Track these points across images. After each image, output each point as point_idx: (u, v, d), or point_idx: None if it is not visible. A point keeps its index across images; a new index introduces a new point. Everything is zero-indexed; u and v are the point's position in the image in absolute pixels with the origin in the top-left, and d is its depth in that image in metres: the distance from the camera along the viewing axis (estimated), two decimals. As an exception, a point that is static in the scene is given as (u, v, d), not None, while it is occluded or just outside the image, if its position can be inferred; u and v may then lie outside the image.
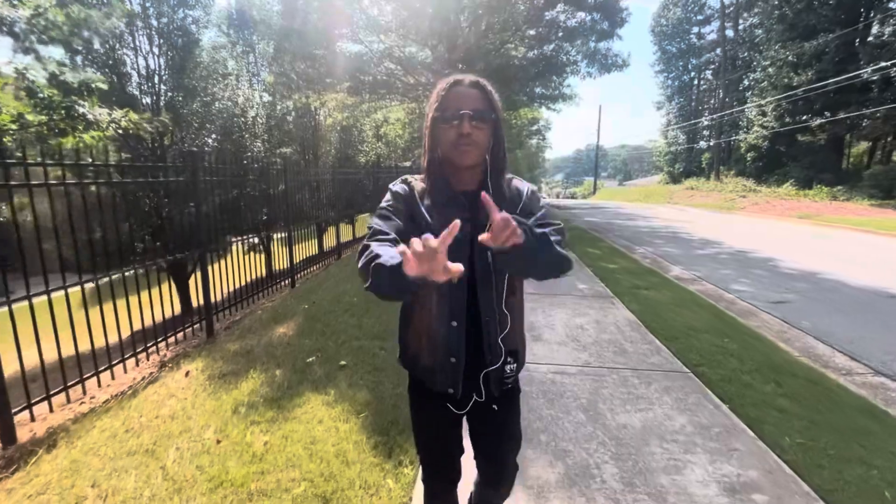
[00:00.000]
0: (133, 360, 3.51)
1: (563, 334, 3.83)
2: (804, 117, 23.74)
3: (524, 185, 1.21)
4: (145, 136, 8.33)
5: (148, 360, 3.72)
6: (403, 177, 1.20)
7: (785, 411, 2.62)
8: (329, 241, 8.01)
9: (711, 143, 36.24)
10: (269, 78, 12.99)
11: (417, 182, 1.17)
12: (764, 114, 26.00)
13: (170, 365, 3.48)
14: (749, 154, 29.01)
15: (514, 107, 22.86)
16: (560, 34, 12.48)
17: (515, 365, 1.18)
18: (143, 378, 3.29)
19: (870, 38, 20.58)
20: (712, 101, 38.11)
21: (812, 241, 10.32)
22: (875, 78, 18.64)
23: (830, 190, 20.11)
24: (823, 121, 22.02)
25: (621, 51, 13.04)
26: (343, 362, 3.17)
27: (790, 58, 23.05)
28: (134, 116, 4.90)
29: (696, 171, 37.10)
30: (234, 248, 5.16)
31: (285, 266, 6.05)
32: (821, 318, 4.70)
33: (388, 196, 1.15)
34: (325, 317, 4.22)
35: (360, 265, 0.95)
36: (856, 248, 9.07)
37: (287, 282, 6.07)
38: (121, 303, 3.17)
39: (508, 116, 24.82)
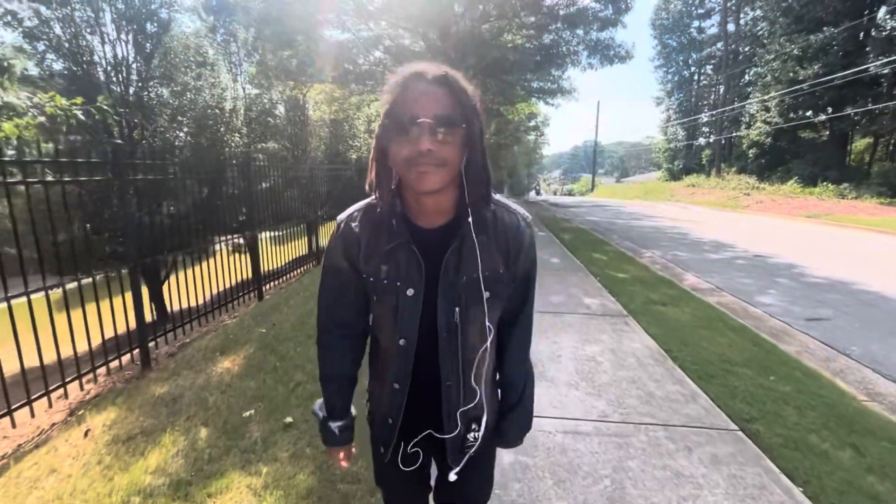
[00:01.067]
0: (47, 398, 2.79)
1: (573, 370, 3.11)
2: (808, 113, 23.12)
3: (519, 223, 0.97)
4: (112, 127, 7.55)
5: (67, 397, 3.00)
6: (344, 218, 0.95)
7: (881, 502, 1.91)
8: (301, 247, 7.27)
9: (711, 140, 35.61)
10: (250, 68, 12.16)
11: (371, 215, 0.92)
12: (767, 109, 25.33)
13: (80, 412, 2.76)
14: (751, 150, 28.37)
15: (511, 101, 22.12)
16: (560, 23, 11.73)
17: (481, 432, 0.99)
18: (38, 432, 2.57)
19: (879, 31, 19.93)
20: (712, 97, 37.45)
21: (830, 243, 9.66)
22: (885, 72, 17.95)
23: (837, 188, 19.47)
24: (829, 116, 21.37)
25: (624, 41, 12.29)
26: (289, 419, 2.43)
27: (795, 51, 22.37)
28: (62, 101, 4.10)
29: (695, 167, 36.46)
30: (202, 254, 4.43)
31: (266, 273, 5.31)
32: (867, 340, 4.02)
33: (326, 254, 0.98)
34: (283, 346, 3.49)
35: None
36: (879, 252, 8.40)
37: (253, 294, 5.33)
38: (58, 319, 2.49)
39: (506, 111, 24.07)
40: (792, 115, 23.80)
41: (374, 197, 0.90)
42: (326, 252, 0.97)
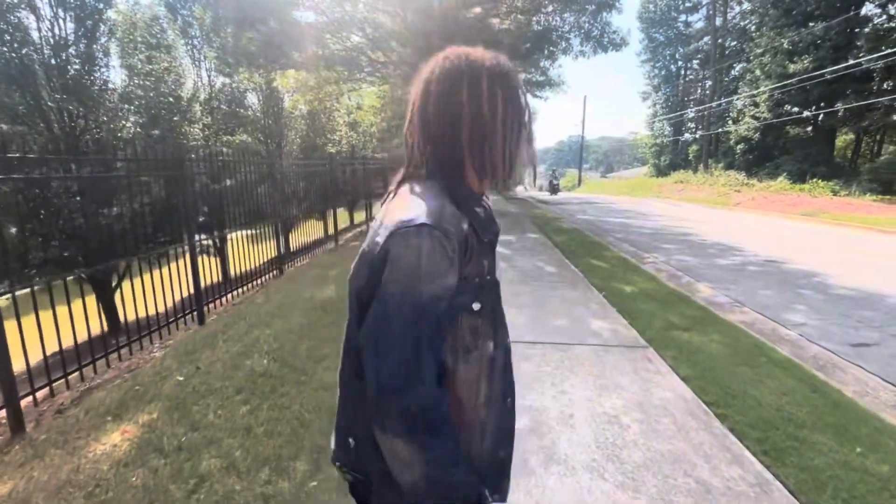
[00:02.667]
0: None
1: (591, 440, 2.29)
2: (795, 109, 22.82)
3: None
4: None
5: None
6: (436, 221, 0.68)
7: None
8: (266, 253, 6.32)
9: (697, 136, 35.36)
10: (210, 53, 11.05)
11: (460, 218, 0.73)
12: (756, 104, 24.99)
13: None
14: (739, 146, 28.09)
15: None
16: (551, 7, 10.91)
17: None
18: None
19: (869, 25, 19.62)
20: (699, 92, 37.20)
21: (838, 245, 9.09)
22: (879, 65, 17.60)
23: (827, 184, 19.16)
24: (819, 112, 21.07)
25: (620, 27, 11.53)
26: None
27: (786, 45, 22.00)
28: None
29: (682, 163, 36.20)
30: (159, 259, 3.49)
31: (218, 289, 4.37)
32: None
33: (422, 283, 0.66)
34: (201, 405, 2.59)
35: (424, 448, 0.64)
36: (892, 254, 7.84)
37: (193, 316, 4.40)
38: None
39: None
40: (781, 110, 23.50)
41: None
42: (421, 278, 0.66)
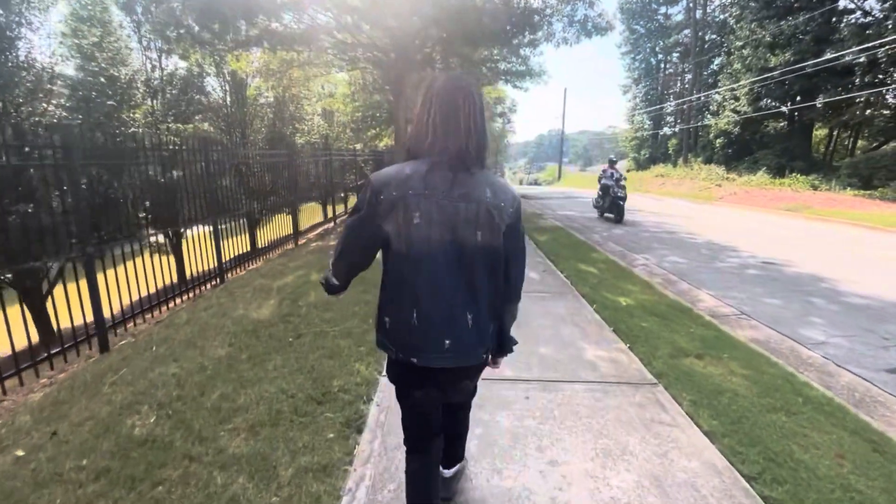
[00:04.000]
0: None
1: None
2: (775, 103, 22.72)
3: None
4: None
5: None
6: None
7: None
8: (225, 252, 5.40)
9: (677, 129, 35.32)
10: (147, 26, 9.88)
11: None
12: (736, 98, 24.85)
13: None
14: (718, 140, 28.03)
15: (477, 84, 20.45)
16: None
17: None
18: None
19: (848, 19, 19.51)
20: (678, 86, 37.13)
21: (831, 241, 8.68)
22: (861, 59, 17.46)
23: (807, 179, 19.09)
24: (800, 106, 20.97)
25: (605, 9, 10.84)
26: None
27: (767, 38, 21.79)
28: None
29: (661, 157, 36.16)
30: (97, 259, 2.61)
31: (140, 304, 3.47)
32: None
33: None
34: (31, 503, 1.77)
35: None
36: (892, 256, 7.42)
37: (90, 342, 3.51)
38: None
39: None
40: (761, 103, 23.39)
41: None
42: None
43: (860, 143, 24.10)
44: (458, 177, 1.23)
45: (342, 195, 12.63)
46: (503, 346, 1.46)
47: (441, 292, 1.22)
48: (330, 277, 1.45)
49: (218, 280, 5.25)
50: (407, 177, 1.21)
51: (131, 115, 8.42)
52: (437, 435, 1.49)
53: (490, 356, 1.40)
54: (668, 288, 5.26)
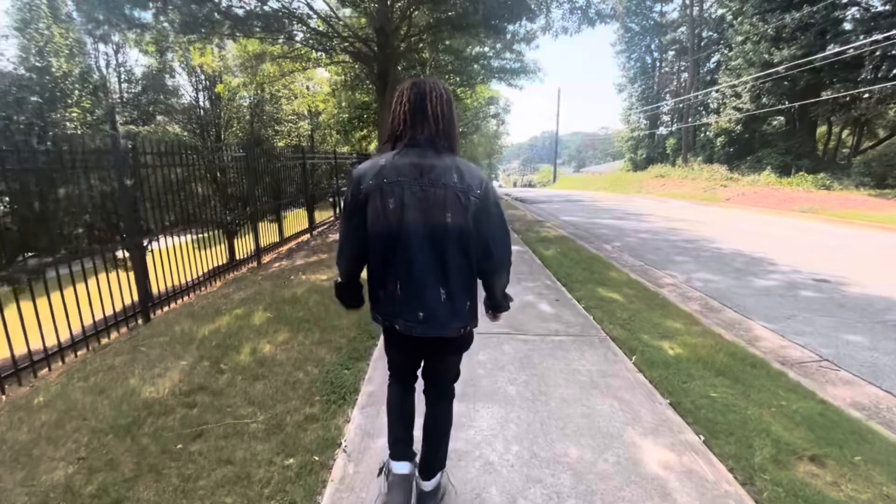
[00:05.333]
0: None
1: None
2: (783, 97, 21.83)
3: None
4: None
5: None
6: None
7: None
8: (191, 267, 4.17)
9: (675, 129, 34.47)
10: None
11: None
12: (738, 95, 23.97)
13: None
14: (719, 139, 27.17)
15: (469, 83, 19.40)
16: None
17: None
18: None
19: (853, 10, 18.67)
20: (674, 84, 36.30)
21: (879, 251, 7.64)
22: (871, 51, 16.56)
23: (816, 178, 18.17)
24: (806, 101, 20.07)
25: (608, -4, 9.80)
26: None
27: (769, 32, 20.91)
28: None
29: (658, 157, 35.27)
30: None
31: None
32: None
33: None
34: None
35: None
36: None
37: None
38: None
39: (464, 94, 21.27)
40: (765, 100, 22.50)
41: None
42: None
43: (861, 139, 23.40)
44: (427, 162, 1.36)
45: (331, 199, 11.45)
46: (498, 305, 1.58)
47: (414, 269, 1.35)
48: (336, 278, 1.57)
49: (134, 322, 4.04)
50: (381, 167, 1.37)
51: (66, 113, 7.18)
52: (415, 377, 1.69)
53: (467, 328, 1.48)
54: (711, 317, 4.14)
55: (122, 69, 11.00)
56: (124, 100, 10.32)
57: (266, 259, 6.98)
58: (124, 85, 10.99)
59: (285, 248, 8.09)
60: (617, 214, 12.82)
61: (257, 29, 7.55)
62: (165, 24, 6.67)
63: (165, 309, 4.36)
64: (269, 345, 3.20)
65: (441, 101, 1.38)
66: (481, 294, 1.55)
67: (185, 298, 4.70)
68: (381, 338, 3.14)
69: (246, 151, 6.26)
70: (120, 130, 8.43)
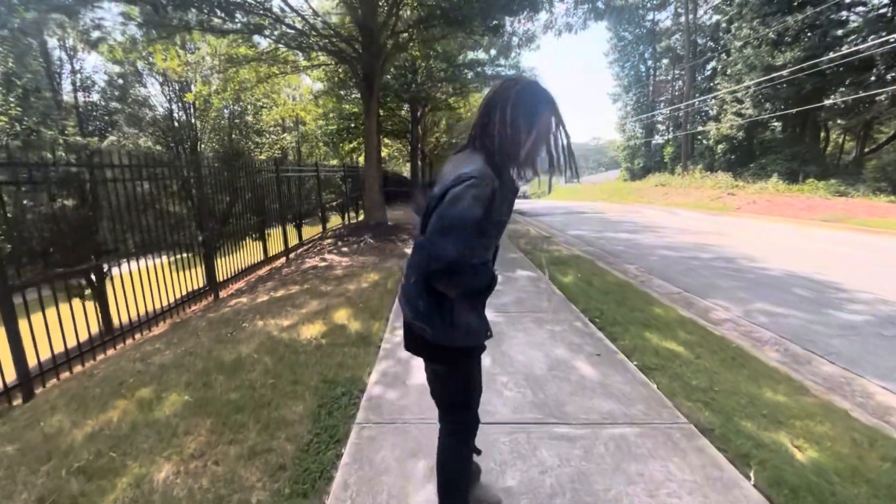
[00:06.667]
0: None
1: None
2: (784, 104, 21.11)
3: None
4: None
5: None
6: (486, 176, 1.25)
7: None
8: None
9: (671, 137, 33.82)
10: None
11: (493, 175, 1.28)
12: (740, 100, 23.26)
13: None
14: (720, 146, 26.41)
15: (462, 91, 18.46)
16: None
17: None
18: None
19: (862, 10, 18.06)
20: (670, 92, 35.80)
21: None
22: (884, 51, 15.83)
23: (828, 184, 17.31)
24: (813, 106, 19.33)
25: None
26: None
27: (771, 35, 20.26)
28: None
29: (655, 166, 34.55)
30: None
31: None
32: None
33: (479, 197, 1.22)
34: None
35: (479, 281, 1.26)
36: None
37: None
38: None
39: (456, 104, 20.34)
40: (768, 105, 21.78)
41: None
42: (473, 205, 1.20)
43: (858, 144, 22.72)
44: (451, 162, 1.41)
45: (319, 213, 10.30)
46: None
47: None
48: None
49: (6, 403, 2.83)
50: None
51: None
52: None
53: (425, 330, 1.35)
54: (803, 372, 3.01)
55: (78, 76, 9.87)
56: (80, 109, 9.16)
57: (226, 292, 5.79)
58: (80, 94, 9.85)
59: (255, 274, 6.90)
60: (628, 227, 11.75)
61: (217, 19, 6.46)
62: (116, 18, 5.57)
63: (57, 380, 3.14)
64: (168, 463, 2.01)
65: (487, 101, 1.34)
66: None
67: (90, 362, 3.49)
68: (350, 449, 2.01)
69: (190, 163, 5.09)
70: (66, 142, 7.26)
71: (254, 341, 3.46)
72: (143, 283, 4.20)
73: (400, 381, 2.81)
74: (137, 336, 4.07)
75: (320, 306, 4.41)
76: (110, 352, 3.68)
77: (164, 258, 4.82)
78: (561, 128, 1.31)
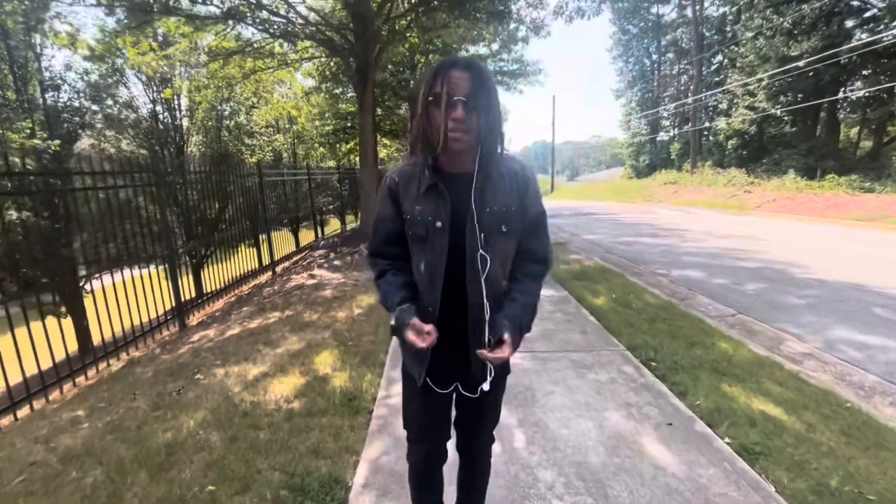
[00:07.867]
0: None
1: None
2: (800, 96, 20.18)
3: (520, 168, 1.17)
4: None
5: None
6: (393, 170, 1.20)
7: None
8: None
9: (677, 133, 32.88)
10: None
11: (406, 169, 1.17)
12: (752, 94, 22.34)
13: None
14: (731, 141, 25.49)
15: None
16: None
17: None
18: None
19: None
20: (675, 85, 34.85)
21: None
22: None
23: (850, 180, 16.38)
24: (833, 99, 18.40)
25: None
26: None
27: (786, 24, 19.34)
28: None
29: (662, 163, 33.60)
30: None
31: None
32: None
33: (380, 193, 1.21)
34: None
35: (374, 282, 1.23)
36: None
37: None
38: None
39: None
40: (783, 98, 20.86)
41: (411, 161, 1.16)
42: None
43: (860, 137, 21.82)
44: None
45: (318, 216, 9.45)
46: None
47: None
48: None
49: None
50: None
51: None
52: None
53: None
54: None
55: (47, 73, 9.04)
56: (49, 109, 8.35)
57: (195, 319, 4.92)
58: (49, 94, 9.03)
59: (235, 293, 6.05)
60: (646, 231, 10.86)
61: (187, 1, 5.63)
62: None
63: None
64: None
65: None
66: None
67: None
68: None
69: (151, 166, 4.23)
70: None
71: (203, 407, 2.59)
72: (90, 313, 3.34)
73: (400, 475, 1.91)
74: (58, 393, 3.21)
75: (300, 344, 3.55)
76: (7, 420, 2.81)
77: (119, 277, 3.96)
78: (433, 99, 1.04)
